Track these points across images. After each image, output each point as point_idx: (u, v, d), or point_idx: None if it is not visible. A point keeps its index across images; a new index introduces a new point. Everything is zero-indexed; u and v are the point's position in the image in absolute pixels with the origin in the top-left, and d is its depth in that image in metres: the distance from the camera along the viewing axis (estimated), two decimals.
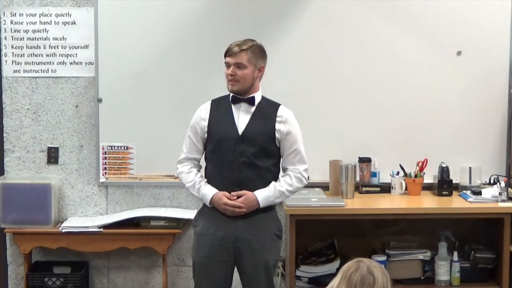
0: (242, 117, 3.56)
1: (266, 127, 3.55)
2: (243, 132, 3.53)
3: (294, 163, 3.58)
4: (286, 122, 3.57)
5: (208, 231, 3.56)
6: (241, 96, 3.56)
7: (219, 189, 3.53)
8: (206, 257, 3.54)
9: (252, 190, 3.51)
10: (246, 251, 3.51)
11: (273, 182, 3.55)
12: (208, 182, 3.59)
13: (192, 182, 3.60)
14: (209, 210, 3.59)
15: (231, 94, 3.58)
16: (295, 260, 4.03)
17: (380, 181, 4.36)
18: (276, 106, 3.61)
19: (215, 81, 4.17)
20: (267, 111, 3.58)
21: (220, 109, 3.60)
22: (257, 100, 3.58)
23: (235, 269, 3.60)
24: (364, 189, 4.33)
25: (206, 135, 3.59)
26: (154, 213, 4.34)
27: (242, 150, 3.51)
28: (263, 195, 3.51)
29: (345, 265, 2.43)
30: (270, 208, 3.60)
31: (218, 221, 3.54)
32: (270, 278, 3.58)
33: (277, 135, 3.55)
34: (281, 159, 3.61)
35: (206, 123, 3.59)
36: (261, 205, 3.50)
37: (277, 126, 3.55)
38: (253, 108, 3.57)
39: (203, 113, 3.63)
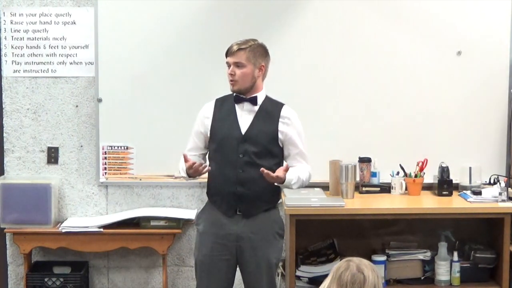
0: (245, 117, 3.57)
1: (269, 127, 3.56)
2: (246, 132, 3.54)
3: (301, 162, 3.61)
4: (290, 123, 3.59)
5: (210, 229, 3.57)
6: (244, 95, 3.57)
7: (222, 188, 3.55)
8: (208, 256, 3.55)
9: (255, 189, 3.52)
10: (248, 249, 3.52)
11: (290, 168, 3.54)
12: (211, 180, 3.62)
13: (180, 167, 3.61)
14: (211, 209, 3.60)
15: (234, 94, 3.59)
16: (295, 260, 4.03)
17: (380, 181, 4.36)
18: (279, 106, 3.62)
19: (215, 81, 4.17)
20: (270, 111, 3.59)
21: (224, 108, 3.61)
22: (260, 99, 3.59)
23: (237, 268, 3.61)
24: (364, 189, 4.33)
25: (209, 134, 3.60)
26: (154, 213, 4.34)
27: (245, 149, 3.52)
28: (289, 175, 3.48)
29: (336, 265, 2.45)
30: (272, 207, 3.62)
31: (220, 219, 3.55)
32: (272, 276, 3.59)
33: (280, 136, 3.57)
34: (286, 160, 3.63)
35: (209, 122, 3.61)
36: (286, 181, 3.46)
37: (280, 127, 3.57)
38: (256, 108, 3.58)
39: (206, 112, 3.65)
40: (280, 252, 3.66)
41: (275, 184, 3.51)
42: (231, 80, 3.54)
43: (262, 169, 3.40)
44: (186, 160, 3.49)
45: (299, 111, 3.73)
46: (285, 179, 3.46)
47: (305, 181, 3.61)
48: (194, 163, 3.47)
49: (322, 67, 4.41)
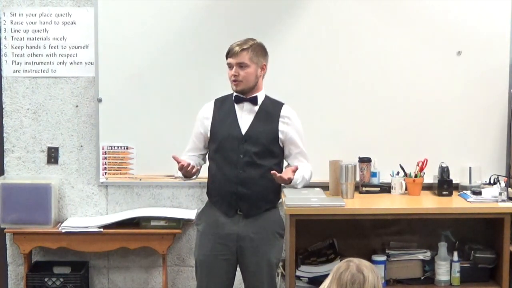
0: (245, 117, 3.58)
1: (269, 127, 3.57)
2: (247, 132, 3.54)
3: (302, 161, 3.62)
4: (290, 123, 3.59)
5: (210, 229, 3.57)
6: (244, 95, 3.57)
7: (222, 188, 3.55)
8: (209, 255, 3.56)
9: (256, 189, 3.53)
10: (249, 249, 3.52)
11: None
12: (212, 181, 3.62)
13: (177, 168, 3.59)
14: (211, 209, 3.61)
15: (234, 94, 3.59)
16: (295, 260, 4.03)
17: (380, 181, 4.36)
18: (279, 105, 3.63)
19: (215, 81, 4.17)
20: (270, 111, 3.59)
21: (223, 109, 3.61)
22: (260, 99, 3.60)
23: (238, 268, 3.61)
24: (364, 189, 4.33)
25: (209, 134, 3.60)
26: (154, 213, 4.34)
27: (245, 149, 3.52)
28: (295, 175, 3.50)
29: (336, 265, 2.46)
30: (273, 207, 3.62)
31: (221, 219, 3.55)
32: (272, 276, 3.59)
33: (280, 136, 3.57)
34: (287, 159, 3.64)
35: (209, 122, 3.61)
36: (293, 181, 3.49)
37: (281, 127, 3.57)
38: (257, 108, 3.58)
39: (206, 112, 3.65)
40: (281, 252, 3.67)
41: (281, 184, 3.52)
42: (234, 81, 3.54)
43: (273, 172, 3.41)
44: (177, 161, 3.49)
45: (300, 111, 3.73)
46: (292, 180, 3.48)
47: (308, 180, 3.64)
48: (183, 165, 3.47)
49: (322, 67, 4.40)
